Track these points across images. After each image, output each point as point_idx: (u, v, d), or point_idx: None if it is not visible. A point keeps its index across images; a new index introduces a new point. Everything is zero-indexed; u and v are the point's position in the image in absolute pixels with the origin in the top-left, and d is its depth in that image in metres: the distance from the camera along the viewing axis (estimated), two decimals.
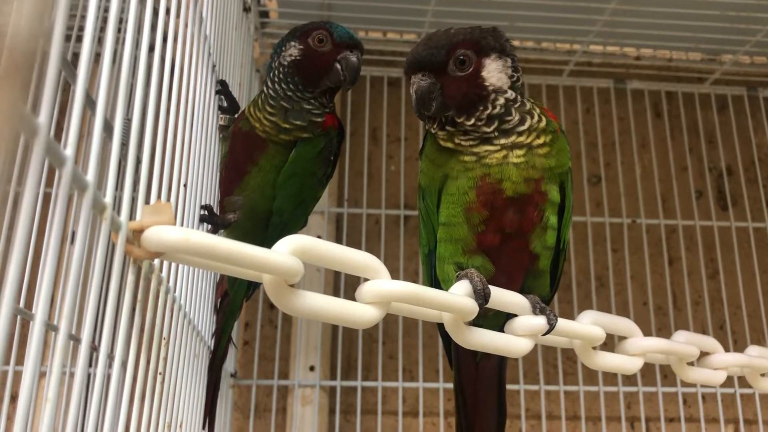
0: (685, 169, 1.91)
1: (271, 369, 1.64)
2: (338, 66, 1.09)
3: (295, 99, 1.09)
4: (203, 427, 1.15)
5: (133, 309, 0.65)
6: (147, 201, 0.67)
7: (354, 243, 1.71)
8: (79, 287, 0.52)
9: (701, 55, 1.91)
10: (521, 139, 0.92)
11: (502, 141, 0.92)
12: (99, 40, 1.16)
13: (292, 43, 1.11)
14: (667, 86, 1.97)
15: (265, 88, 1.12)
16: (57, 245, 0.49)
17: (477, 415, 1.07)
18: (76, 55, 1.31)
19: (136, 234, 0.62)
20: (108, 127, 0.54)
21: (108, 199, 0.57)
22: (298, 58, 1.10)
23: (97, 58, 1.15)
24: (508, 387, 1.64)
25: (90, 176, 0.53)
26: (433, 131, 0.95)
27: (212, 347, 1.18)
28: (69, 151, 0.49)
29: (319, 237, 1.70)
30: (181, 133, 0.82)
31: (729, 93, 1.98)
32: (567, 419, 1.67)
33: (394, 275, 0.76)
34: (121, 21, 0.83)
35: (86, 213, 0.52)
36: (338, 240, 1.72)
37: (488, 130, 0.92)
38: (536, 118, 0.94)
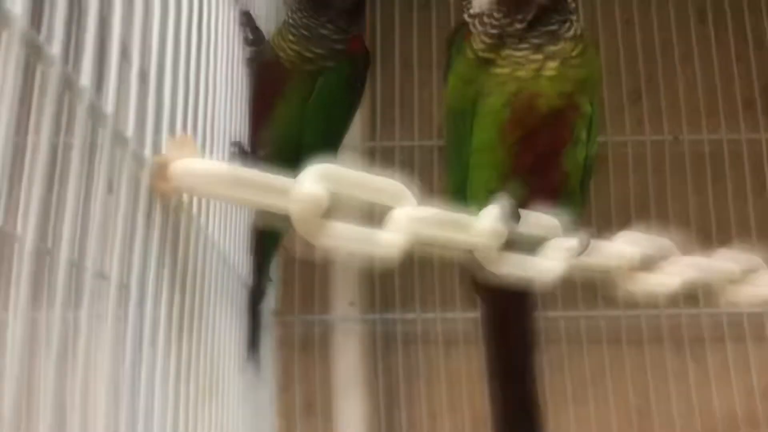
0: (731, 80, 1.81)
1: (312, 305, 1.66)
2: None
3: (312, 25, 1.07)
4: (248, 358, 1.17)
5: (166, 248, 0.65)
6: (172, 135, 0.67)
7: (387, 175, 1.69)
8: (102, 227, 0.52)
9: None
10: (560, 47, 0.89)
11: (551, 48, 0.88)
12: None
13: None
14: None
15: (286, 16, 1.10)
16: (76, 188, 0.49)
17: (505, 348, 1.06)
18: None
19: (162, 168, 0.62)
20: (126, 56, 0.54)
21: (130, 133, 0.57)
22: None
23: None
24: (549, 314, 1.65)
25: (110, 107, 0.53)
26: (518, 26, 0.88)
27: (251, 285, 1.20)
28: (85, 81, 0.48)
29: None
30: (204, 66, 0.81)
31: None
32: (608, 344, 1.66)
33: None
34: None
35: (108, 148, 0.53)
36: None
37: (557, 30, 0.88)
38: (575, 24, 0.91)
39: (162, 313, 0.64)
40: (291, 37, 1.06)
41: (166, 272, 0.64)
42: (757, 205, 1.75)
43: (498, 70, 0.89)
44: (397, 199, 0.75)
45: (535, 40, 0.89)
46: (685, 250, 1.04)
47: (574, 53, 0.90)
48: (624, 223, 1.70)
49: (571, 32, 0.90)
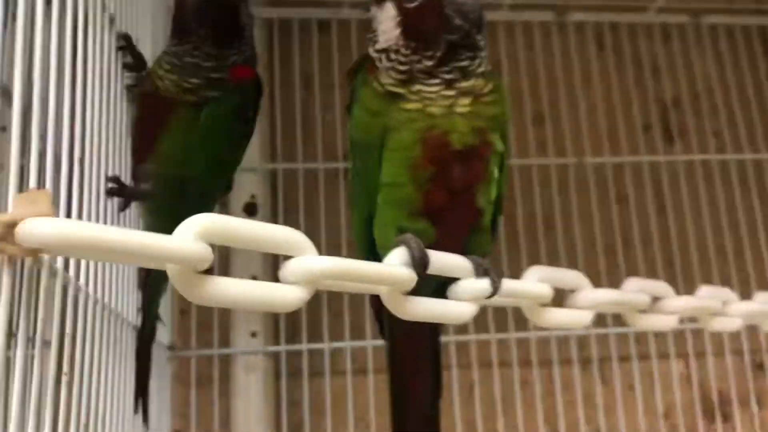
0: (630, 104, 1.86)
1: (211, 338, 1.56)
2: (194, 5, 1.00)
3: (180, 53, 0.99)
4: (135, 410, 1.07)
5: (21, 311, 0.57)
6: (21, 189, 0.58)
7: (291, 200, 1.62)
8: None
9: None
10: (472, 84, 0.86)
11: (463, 84, 0.85)
12: None
13: None
14: (610, 16, 1.89)
15: (166, 45, 1.02)
16: None
17: (411, 380, 1.02)
18: None
19: (8, 229, 0.53)
20: None
21: None
22: (174, 8, 1.01)
23: None
24: (459, 338, 1.62)
25: None
26: (428, 62, 0.85)
27: (139, 325, 1.10)
28: None
29: (252, 196, 1.62)
30: (69, 99, 0.72)
31: (672, 22, 1.92)
32: (519, 366, 1.65)
33: (335, 234, 0.69)
34: None
35: None
36: (274, 198, 1.63)
37: (468, 66, 0.85)
38: (485, 61, 0.88)
39: (29, 374, 0.57)
40: (166, 66, 0.98)
41: (21, 333, 0.56)
42: (659, 223, 1.78)
43: (408, 105, 0.85)
44: (293, 248, 0.68)
45: (447, 76, 0.85)
46: (593, 271, 1.02)
47: (485, 90, 0.87)
48: (532, 243, 1.71)
49: (482, 68, 0.87)
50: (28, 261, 0.57)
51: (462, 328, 1.62)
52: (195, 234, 0.59)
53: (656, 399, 1.69)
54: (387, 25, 0.86)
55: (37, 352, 0.60)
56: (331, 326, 1.60)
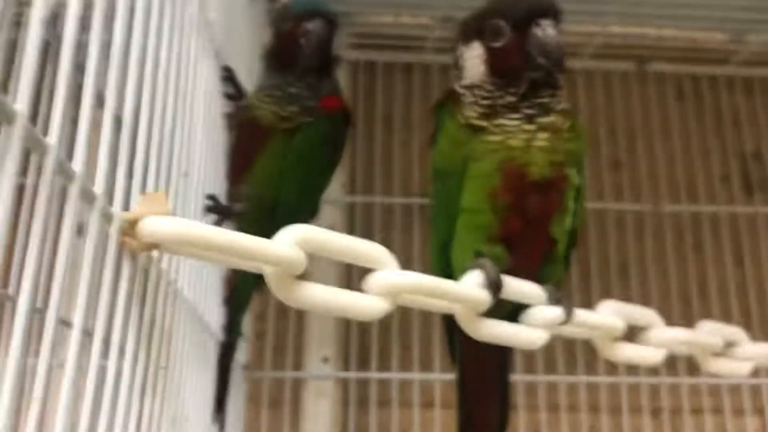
0: (708, 154, 1.86)
1: (285, 361, 1.61)
2: (303, 41, 1.07)
3: (282, 86, 1.08)
4: (214, 420, 1.13)
5: (133, 302, 0.63)
6: (143, 191, 0.65)
7: (367, 232, 1.68)
8: (67, 278, 0.49)
9: (726, 35, 1.84)
10: (552, 120, 0.90)
11: (542, 120, 0.89)
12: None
13: (269, 32, 1.12)
14: (691, 68, 1.90)
15: (260, 78, 1.11)
16: (41, 238, 0.47)
17: (478, 409, 1.04)
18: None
19: (131, 225, 0.60)
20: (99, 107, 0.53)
21: (98, 189, 0.55)
22: (269, 45, 1.10)
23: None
24: (527, 379, 1.62)
25: (78, 165, 0.51)
26: (510, 98, 0.90)
27: (222, 340, 1.16)
28: (52, 140, 0.46)
29: (331, 227, 1.68)
30: (180, 120, 0.80)
31: (755, 75, 1.91)
32: (588, 411, 1.63)
33: (409, 265, 0.73)
34: None
35: (74, 205, 0.50)
36: (350, 230, 1.69)
37: (549, 102, 0.90)
38: (563, 99, 0.93)
39: (126, 366, 0.61)
40: (266, 98, 1.07)
41: (132, 325, 0.62)
42: (736, 275, 1.75)
43: (490, 137, 0.90)
44: (378, 262, 0.73)
45: (528, 111, 0.90)
46: (667, 319, 1.02)
47: (564, 126, 0.91)
48: (604, 288, 1.71)
49: (561, 105, 0.92)
50: (142, 257, 0.64)
51: (531, 368, 1.63)
52: (293, 241, 0.65)
53: None
54: (473, 62, 0.92)
55: (143, 341, 0.66)
56: (401, 358, 1.63)
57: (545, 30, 0.87)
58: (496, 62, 0.90)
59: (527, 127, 0.89)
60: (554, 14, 0.89)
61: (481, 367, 1.03)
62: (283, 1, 1.10)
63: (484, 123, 0.90)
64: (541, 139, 0.89)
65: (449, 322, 1.04)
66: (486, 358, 1.02)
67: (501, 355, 1.04)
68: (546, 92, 0.90)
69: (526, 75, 0.89)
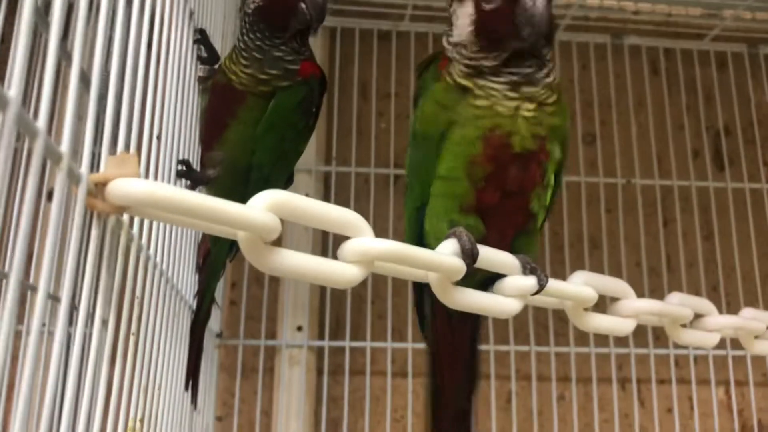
0: (681, 128, 1.87)
1: (258, 329, 1.61)
2: (303, 5, 1.05)
3: (265, 47, 1.05)
4: (186, 388, 1.12)
5: (102, 267, 0.62)
6: (113, 152, 0.63)
7: (342, 202, 1.66)
8: (28, 240, 0.48)
9: (701, 10, 1.85)
10: (539, 91, 0.89)
11: (527, 89, 0.89)
12: None
13: None
14: (665, 42, 1.91)
15: (236, 40, 1.08)
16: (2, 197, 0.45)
17: (448, 377, 1.04)
18: None
19: (99, 187, 0.58)
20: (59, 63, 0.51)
21: (64, 148, 0.53)
22: (260, 3, 1.06)
23: None
24: (499, 348, 1.64)
25: (41, 122, 0.49)
26: (491, 63, 0.89)
27: (195, 307, 1.15)
28: (12, 92, 0.45)
29: (306, 195, 1.67)
30: (153, 82, 0.78)
31: (729, 50, 1.92)
32: (557, 380, 1.66)
33: (384, 235, 0.73)
34: None
35: (37, 163, 0.49)
36: (326, 199, 1.68)
37: (534, 73, 0.89)
38: (554, 72, 0.92)
39: (95, 332, 0.60)
40: (243, 60, 1.04)
41: (101, 291, 0.60)
42: (705, 248, 1.78)
43: (477, 102, 0.89)
44: (352, 229, 0.72)
45: (511, 77, 0.89)
46: (637, 291, 1.03)
47: (549, 100, 0.91)
48: (576, 260, 1.73)
49: (549, 79, 0.91)
50: (111, 220, 0.62)
51: (503, 338, 1.65)
52: (267, 206, 0.64)
53: (695, 424, 1.68)
54: (463, 21, 0.91)
55: (113, 307, 0.65)
56: (374, 327, 1.64)
57: (535, 1, 0.86)
58: (483, 24, 0.89)
59: (512, 94, 0.88)
60: None
61: (451, 336, 1.04)
62: None
63: (468, 83, 0.89)
64: (527, 110, 0.88)
65: (419, 291, 1.05)
66: (456, 328, 1.03)
67: (471, 325, 1.04)
68: (530, 62, 0.90)
69: (510, 42, 0.88)
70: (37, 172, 0.48)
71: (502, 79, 0.88)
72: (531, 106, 0.89)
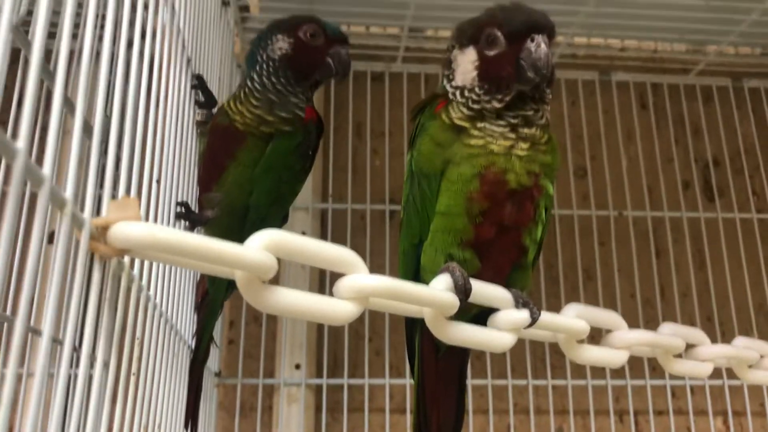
0: (671, 161, 1.91)
1: (257, 367, 1.62)
2: (330, 60, 1.10)
3: (284, 92, 1.10)
4: (185, 427, 1.13)
5: (104, 308, 0.63)
6: (114, 197, 0.65)
7: (339, 239, 1.69)
8: (37, 285, 0.50)
9: (686, 46, 1.90)
10: (533, 132, 0.93)
11: (524, 131, 0.92)
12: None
13: (280, 37, 1.12)
14: (652, 77, 1.96)
15: (249, 82, 1.12)
16: (8, 244, 0.47)
17: (435, 412, 1.05)
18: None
19: (101, 231, 0.60)
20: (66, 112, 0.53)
21: (68, 194, 0.55)
22: (288, 51, 1.10)
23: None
24: (496, 382, 1.64)
25: (46, 169, 0.51)
26: (496, 104, 0.92)
27: (193, 347, 1.16)
28: (21, 144, 0.47)
29: (303, 233, 1.70)
30: (152, 127, 0.80)
31: (714, 84, 1.97)
32: (555, 413, 1.66)
33: (380, 271, 0.74)
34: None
35: (43, 209, 0.51)
36: (323, 236, 1.70)
37: (533, 115, 0.93)
38: (546, 114, 0.96)
39: (96, 373, 0.61)
40: (253, 101, 1.08)
41: (102, 332, 0.62)
42: (698, 278, 1.80)
43: (472, 141, 0.92)
44: (347, 266, 0.74)
45: (512, 120, 0.92)
46: (632, 322, 1.05)
47: (542, 140, 0.94)
48: (571, 292, 1.74)
49: (543, 120, 0.95)
50: (112, 262, 0.64)
51: (500, 372, 1.65)
52: (263, 245, 0.66)
53: None
54: (466, 66, 0.94)
55: (114, 349, 0.66)
56: (372, 364, 1.64)
57: (539, 45, 0.89)
58: (487, 69, 0.92)
59: (509, 134, 0.92)
60: (549, 30, 0.91)
61: (438, 371, 1.05)
62: (307, 17, 1.13)
63: (467, 125, 0.92)
64: (521, 149, 0.92)
65: (409, 326, 1.06)
66: (443, 363, 1.05)
67: (458, 361, 1.06)
68: (531, 106, 0.93)
69: (514, 85, 0.91)
70: (43, 219, 0.50)
71: (502, 122, 0.92)
72: (525, 145, 0.92)
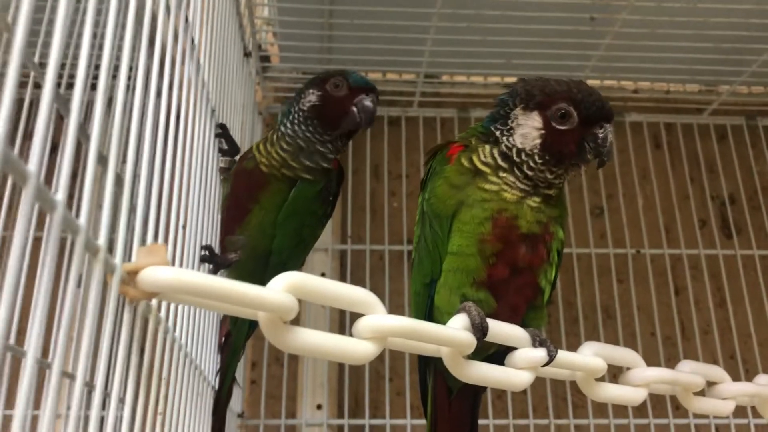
0: (687, 199, 1.91)
1: (279, 408, 1.63)
2: (354, 109, 1.14)
3: (312, 140, 1.15)
4: None
5: (132, 349, 0.66)
6: (143, 243, 0.69)
7: (358, 279, 1.72)
8: (69, 328, 0.52)
9: (699, 87, 1.92)
10: (550, 192, 0.96)
11: (543, 191, 0.95)
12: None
13: (311, 90, 1.18)
14: (666, 118, 1.98)
15: (282, 128, 1.17)
16: (47, 290, 0.50)
17: None
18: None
19: (131, 275, 0.63)
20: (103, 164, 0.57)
21: (101, 241, 0.58)
22: (316, 103, 1.16)
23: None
24: (518, 422, 1.64)
25: (82, 220, 0.54)
26: (549, 176, 0.95)
27: (216, 387, 1.18)
28: (60, 196, 0.50)
29: (323, 274, 1.73)
30: (179, 175, 0.84)
31: (728, 123, 1.98)
32: None
33: (399, 311, 0.77)
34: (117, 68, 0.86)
35: (79, 256, 0.54)
36: (342, 276, 1.73)
37: (554, 181, 0.96)
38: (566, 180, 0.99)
39: (125, 414, 0.63)
40: (284, 145, 1.13)
41: (131, 373, 0.64)
42: (719, 315, 1.79)
43: (486, 186, 0.94)
44: (366, 307, 0.76)
45: (540, 183, 0.95)
46: (653, 360, 1.05)
47: (553, 194, 0.97)
48: (592, 330, 1.74)
49: (562, 185, 0.98)
50: (141, 305, 0.67)
51: (522, 412, 1.65)
52: (285, 287, 0.68)
53: None
54: (528, 130, 0.95)
55: (142, 389, 0.69)
56: (393, 404, 1.65)
57: (606, 134, 0.93)
58: (552, 141, 0.94)
59: (525, 188, 0.94)
60: (612, 120, 0.95)
61: (452, 413, 1.06)
62: (337, 70, 1.18)
63: (488, 171, 0.95)
64: (534, 201, 0.95)
65: (422, 368, 1.08)
66: (456, 404, 1.06)
67: (470, 401, 1.07)
68: (565, 176, 0.97)
69: (573, 163, 0.95)
70: (79, 267, 0.53)
71: (528, 182, 0.95)
72: (538, 199, 0.95)
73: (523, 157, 0.95)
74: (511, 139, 0.96)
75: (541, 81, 0.98)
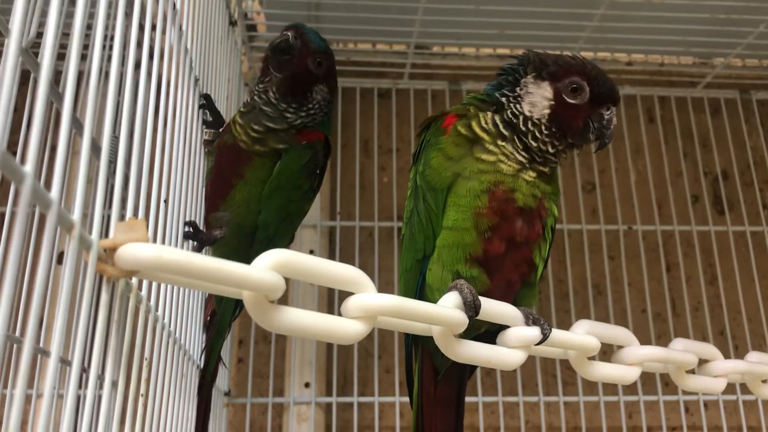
0: (680, 174, 1.90)
1: (266, 386, 1.61)
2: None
3: (271, 102, 1.09)
4: None
5: (111, 330, 0.63)
6: (122, 218, 0.65)
7: (347, 256, 1.69)
8: (41, 306, 0.50)
9: (693, 59, 1.90)
10: (545, 169, 0.94)
11: (539, 167, 0.94)
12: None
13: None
14: (660, 91, 1.96)
15: (251, 101, 1.12)
16: (15, 265, 0.47)
17: (434, 430, 1.04)
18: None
19: (109, 252, 0.60)
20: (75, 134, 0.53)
21: (76, 216, 0.55)
22: (286, 73, 1.11)
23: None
24: (507, 399, 1.63)
25: (54, 193, 0.51)
26: (550, 149, 0.94)
27: (202, 366, 1.16)
28: (28, 167, 0.47)
29: (311, 251, 1.70)
30: (159, 147, 0.81)
31: (722, 96, 1.96)
32: (567, 430, 1.64)
33: (389, 288, 0.74)
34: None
35: (50, 231, 0.51)
36: (331, 253, 1.70)
37: (551, 158, 0.94)
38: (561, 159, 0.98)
39: (105, 394, 0.61)
40: (243, 110, 1.09)
41: (110, 353, 0.61)
42: (710, 292, 1.78)
43: (483, 156, 0.92)
44: (355, 285, 0.73)
45: (536, 156, 0.93)
46: (644, 337, 1.04)
47: (547, 172, 0.95)
48: (582, 306, 1.73)
49: (557, 164, 0.97)
50: (120, 284, 0.64)
51: (511, 389, 1.64)
52: (270, 265, 0.65)
53: None
54: (539, 100, 0.93)
55: (122, 369, 0.66)
56: (382, 382, 1.63)
57: (612, 116, 0.93)
58: (562, 114, 0.93)
59: (522, 160, 0.93)
60: (618, 104, 0.95)
61: (438, 394, 1.04)
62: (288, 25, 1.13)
63: (487, 137, 0.93)
64: (528, 175, 0.93)
65: (408, 350, 1.06)
66: (443, 383, 1.04)
67: (458, 383, 1.05)
68: (563, 154, 0.95)
69: (575, 140, 0.94)
70: (50, 241, 0.50)
71: (525, 153, 0.93)
72: (533, 173, 0.93)
73: (530, 125, 0.93)
74: (518, 106, 0.94)
75: (558, 55, 0.96)
